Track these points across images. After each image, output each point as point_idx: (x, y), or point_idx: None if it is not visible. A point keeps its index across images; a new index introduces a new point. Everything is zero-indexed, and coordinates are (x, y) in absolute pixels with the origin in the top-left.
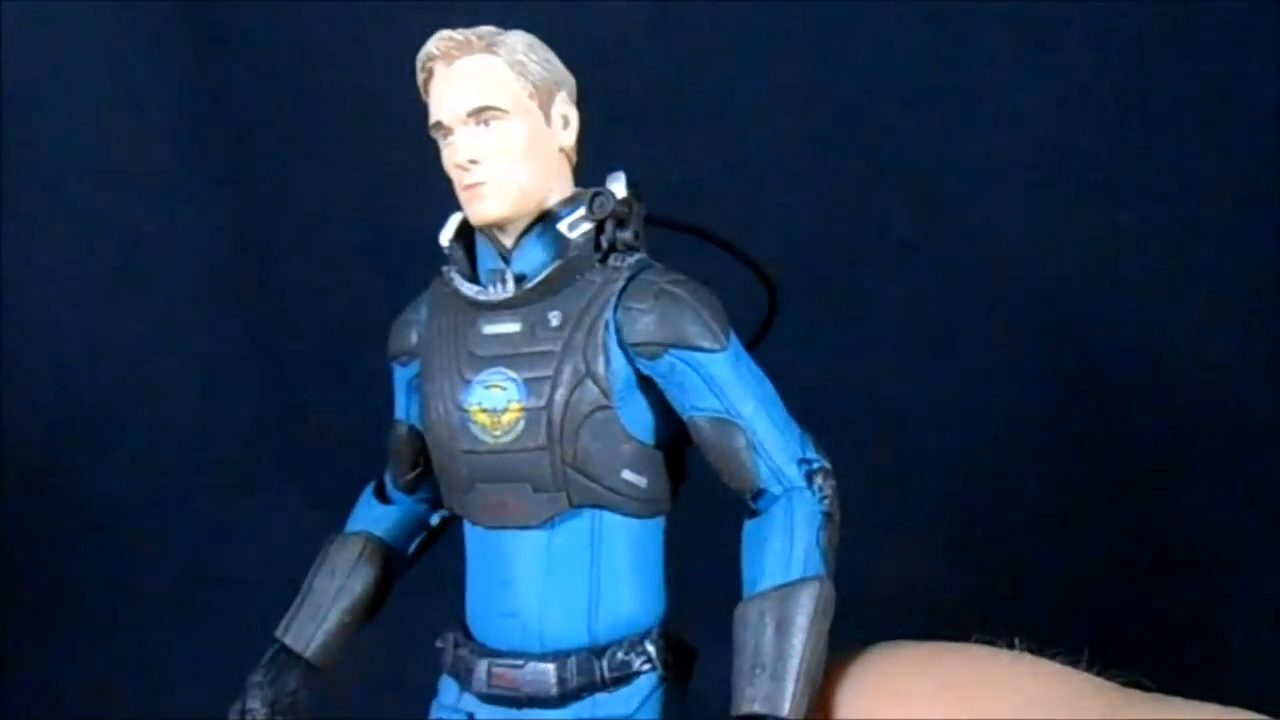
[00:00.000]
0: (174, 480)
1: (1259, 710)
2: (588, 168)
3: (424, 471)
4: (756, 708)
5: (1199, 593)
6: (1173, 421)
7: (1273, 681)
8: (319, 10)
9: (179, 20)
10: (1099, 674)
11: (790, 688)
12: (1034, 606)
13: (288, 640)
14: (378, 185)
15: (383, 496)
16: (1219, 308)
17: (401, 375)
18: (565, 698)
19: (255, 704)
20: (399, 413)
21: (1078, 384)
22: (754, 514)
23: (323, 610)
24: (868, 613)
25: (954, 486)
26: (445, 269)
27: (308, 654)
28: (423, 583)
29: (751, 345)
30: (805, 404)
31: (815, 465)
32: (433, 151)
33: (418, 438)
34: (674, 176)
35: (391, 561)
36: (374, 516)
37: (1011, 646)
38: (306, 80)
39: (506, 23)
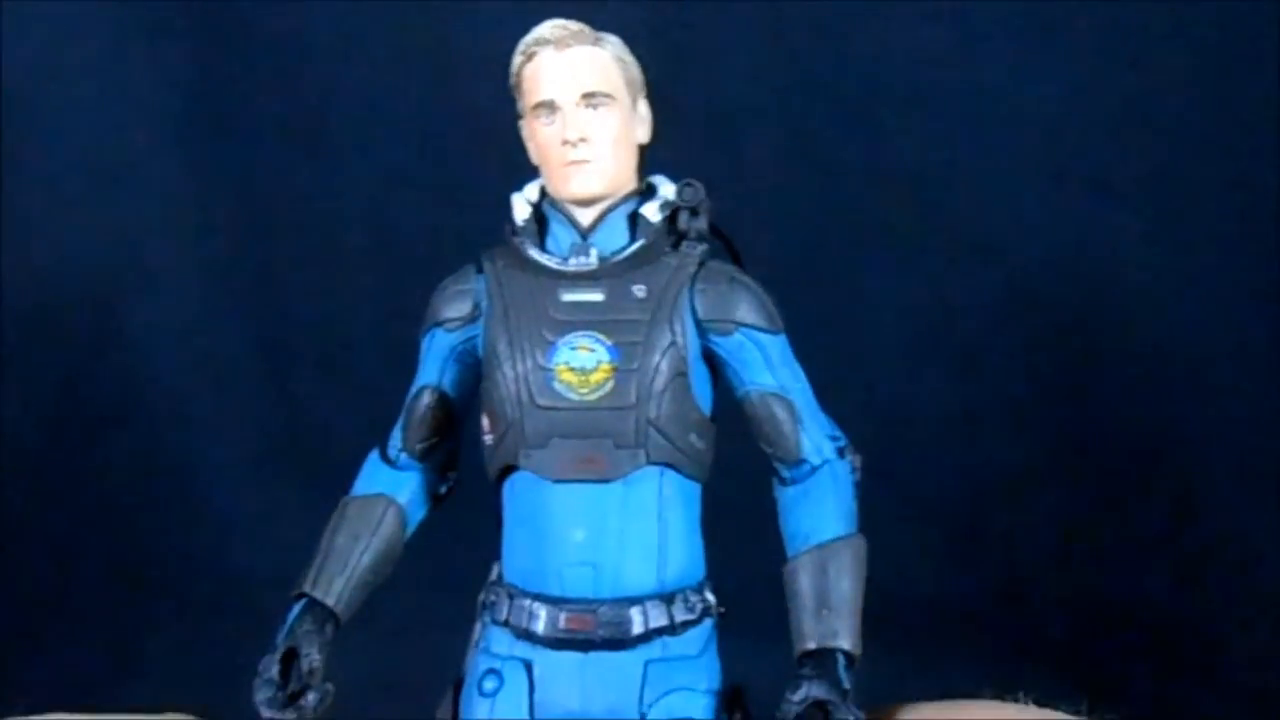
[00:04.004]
0: (174, 479)
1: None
2: None
3: (441, 440)
4: (828, 643)
5: (1200, 593)
6: (1174, 421)
7: (1273, 682)
8: (319, 10)
9: (178, 20)
10: None
11: (854, 625)
12: (1034, 606)
13: (317, 594)
14: (378, 185)
15: (389, 462)
16: (1220, 307)
17: (444, 340)
18: (638, 640)
19: (313, 650)
20: (429, 379)
21: (1078, 383)
22: (786, 482)
23: (349, 567)
24: (866, 612)
25: (954, 486)
26: (515, 240)
27: (338, 608)
28: (422, 584)
29: None
30: None
31: (843, 441)
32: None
33: (446, 404)
34: (674, 176)
35: (406, 526)
36: (388, 481)
37: (1017, 700)
38: (306, 80)
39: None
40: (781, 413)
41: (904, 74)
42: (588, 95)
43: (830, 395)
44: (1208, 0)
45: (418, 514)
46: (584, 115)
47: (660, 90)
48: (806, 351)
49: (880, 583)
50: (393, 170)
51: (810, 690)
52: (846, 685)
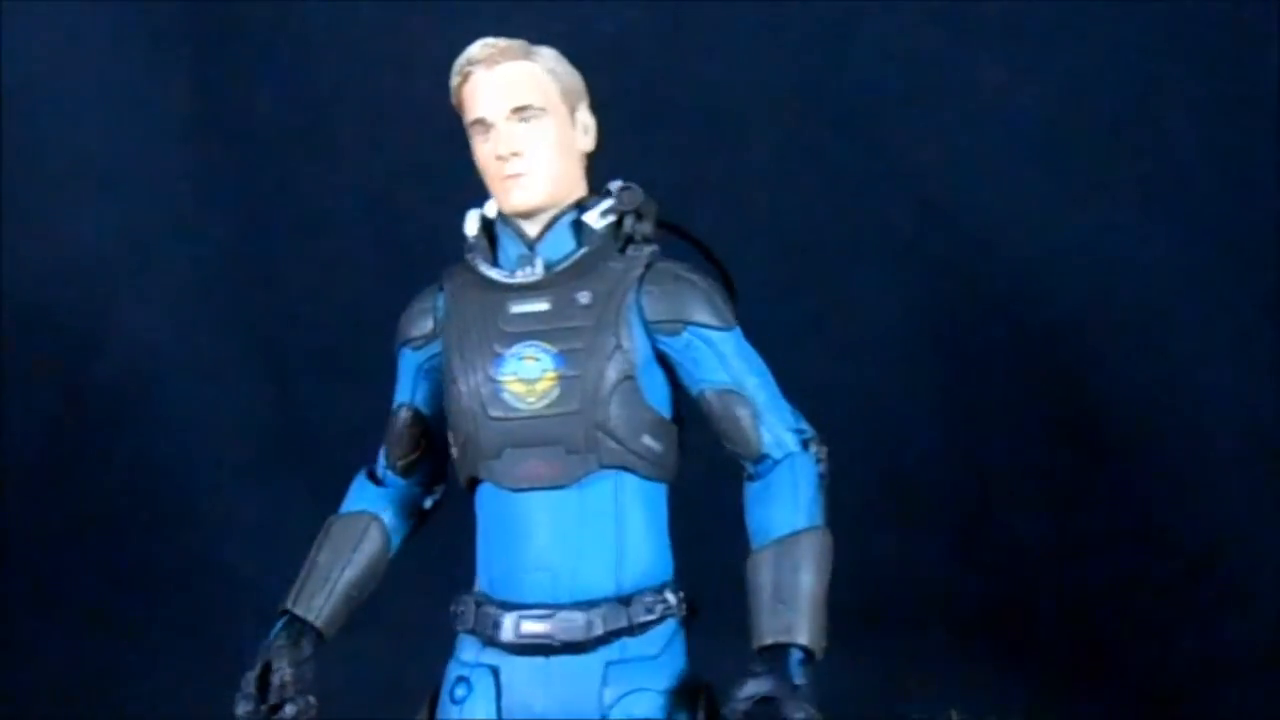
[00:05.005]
0: (174, 478)
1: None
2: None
3: (421, 456)
4: (783, 638)
5: (1201, 593)
6: (1173, 419)
7: (1272, 682)
8: (319, 10)
9: (179, 20)
10: None
11: (810, 619)
12: (1034, 604)
13: (298, 610)
14: (378, 185)
15: (375, 481)
16: (1219, 307)
17: (412, 359)
18: (597, 642)
19: (283, 664)
20: (403, 397)
21: (1078, 383)
22: (750, 477)
23: (330, 583)
24: (869, 610)
25: (954, 485)
26: (468, 256)
27: (319, 623)
28: (421, 584)
29: None
30: (805, 404)
31: (808, 433)
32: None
33: (421, 421)
34: (674, 176)
35: (389, 540)
36: (372, 498)
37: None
38: (306, 80)
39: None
40: (738, 409)
41: (904, 74)
42: (518, 109)
43: (830, 394)
44: (1208, 0)
45: (402, 529)
46: (516, 129)
47: (661, 90)
48: (807, 350)
49: (881, 582)
50: (393, 170)
51: (756, 687)
52: (798, 681)
